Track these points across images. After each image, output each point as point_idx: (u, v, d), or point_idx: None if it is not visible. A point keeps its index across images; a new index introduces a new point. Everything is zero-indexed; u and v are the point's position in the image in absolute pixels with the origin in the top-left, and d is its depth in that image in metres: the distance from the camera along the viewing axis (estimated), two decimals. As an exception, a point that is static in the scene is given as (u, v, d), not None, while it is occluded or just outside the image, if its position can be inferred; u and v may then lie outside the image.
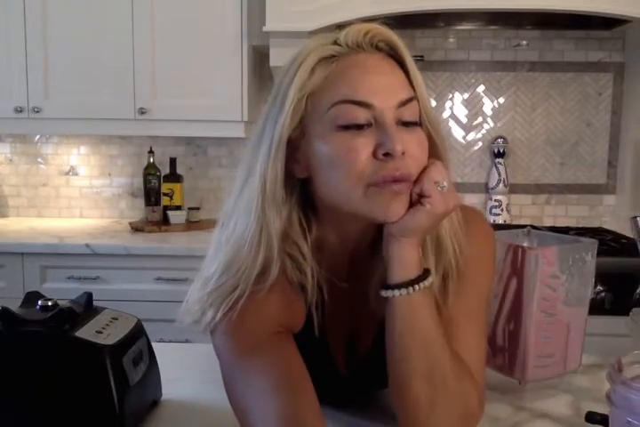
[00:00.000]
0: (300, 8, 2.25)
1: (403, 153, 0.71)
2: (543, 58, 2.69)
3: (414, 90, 0.75)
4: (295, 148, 0.75)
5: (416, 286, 0.74)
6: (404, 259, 0.75)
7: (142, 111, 2.47)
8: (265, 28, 2.27)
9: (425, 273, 0.76)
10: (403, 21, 2.45)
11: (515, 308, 0.97)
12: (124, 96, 2.48)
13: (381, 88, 0.72)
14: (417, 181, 0.73)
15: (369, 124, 0.72)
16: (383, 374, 0.77)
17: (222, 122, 2.47)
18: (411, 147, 0.72)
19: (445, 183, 0.73)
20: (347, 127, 0.71)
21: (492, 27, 2.66)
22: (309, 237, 0.79)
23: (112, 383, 0.79)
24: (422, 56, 2.64)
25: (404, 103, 0.73)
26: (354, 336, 0.87)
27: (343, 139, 0.72)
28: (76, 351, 0.80)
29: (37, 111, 2.50)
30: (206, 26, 2.44)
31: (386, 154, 0.70)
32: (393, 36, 0.76)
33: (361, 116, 0.71)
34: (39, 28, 2.47)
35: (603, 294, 2.00)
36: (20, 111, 2.50)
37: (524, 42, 2.69)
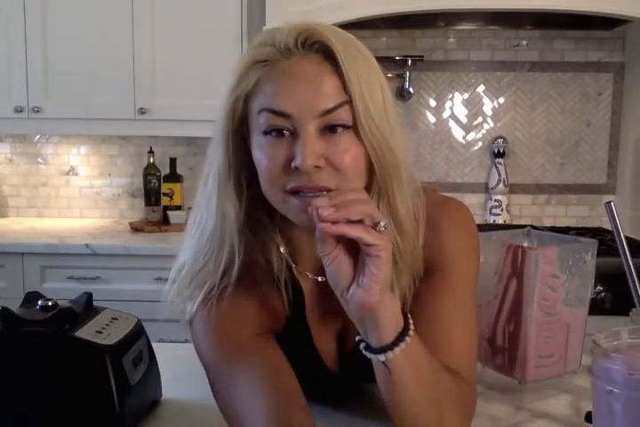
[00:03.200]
0: (299, 8, 2.25)
1: (317, 167, 0.69)
2: (543, 58, 2.69)
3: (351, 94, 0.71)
4: (249, 141, 0.77)
5: (410, 332, 0.69)
6: (392, 312, 0.68)
7: (142, 111, 2.47)
8: (265, 28, 2.27)
9: (404, 311, 0.71)
10: (403, 21, 2.46)
11: (515, 308, 0.97)
12: (124, 96, 2.48)
13: (303, 98, 0.70)
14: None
15: (290, 133, 0.71)
16: (368, 372, 0.78)
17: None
18: (335, 156, 0.71)
19: (383, 222, 0.66)
20: (269, 133, 0.72)
21: (492, 27, 2.66)
22: (275, 221, 0.80)
23: (112, 383, 0.78)
24: (422, 56, 2.65)
25: (329, 111, 0.70)
26: (343, 333, 0.87)
27: (266, 145, 0.72)
28: (76, 351, 0.80)
29: (37, 111, 2.50)
30: (206, 26, 2.44)
31: (296, 168, 0.70)
32: (327, 38, 0.72)
33: (281, 124, 0.71)
34: (39, 28, 2.47)
35: (603, 294, 2.00)
36: (20, 111, 2.50)
37: (524, 42, 2.69)
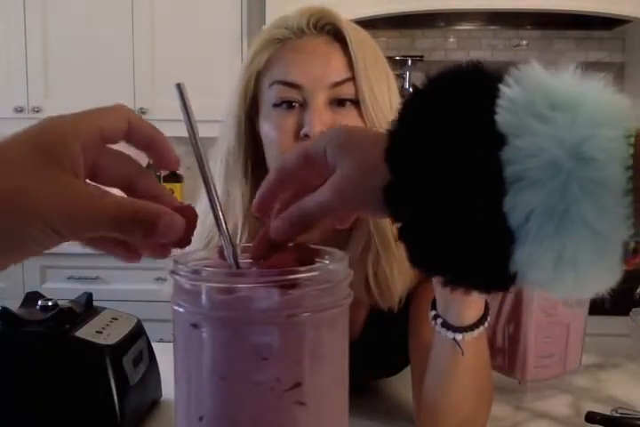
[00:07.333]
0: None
1: None
2: (543, 58, 2.69)
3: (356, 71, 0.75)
4: (256, 123, 0.79)
5: (488, 319, 0.70)
6: (480, 297, 0.69)
7: (142, 111, 2.47)
8: (265, 28, 2.27)
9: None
10: (403, 21, 2.46)
11: (515, 308, 0.97)
12: (124, 96, 2.48)
13: (313, 70, 0.74)
14: None
15: (300, 104, 0.74)
16: (374, 364, 0.77)
17: (222, 122, 2.46)
18: None
19: None
20: (279, 106, 0.75)
21: (492, 27, 2.66)
22: None
23: (112, 383, 0.78)
24: (422, 56, 2.64)
25: (338, 84, 0.74)
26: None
27: (276, 116, 0.75)
28: (76, 351, 0.80)
29: (37, 111, 2.50)
30: (206, 26, 2.44)
31: (306, 135, 0.72)
32: (337, 19, 0.77)
33: (291, 96, 0.74)
34: (39, 27, 2.47)
35: (603, 294, 2.00)
36: (20, 111, 2.50)
37: (524, 42, 2.69)
